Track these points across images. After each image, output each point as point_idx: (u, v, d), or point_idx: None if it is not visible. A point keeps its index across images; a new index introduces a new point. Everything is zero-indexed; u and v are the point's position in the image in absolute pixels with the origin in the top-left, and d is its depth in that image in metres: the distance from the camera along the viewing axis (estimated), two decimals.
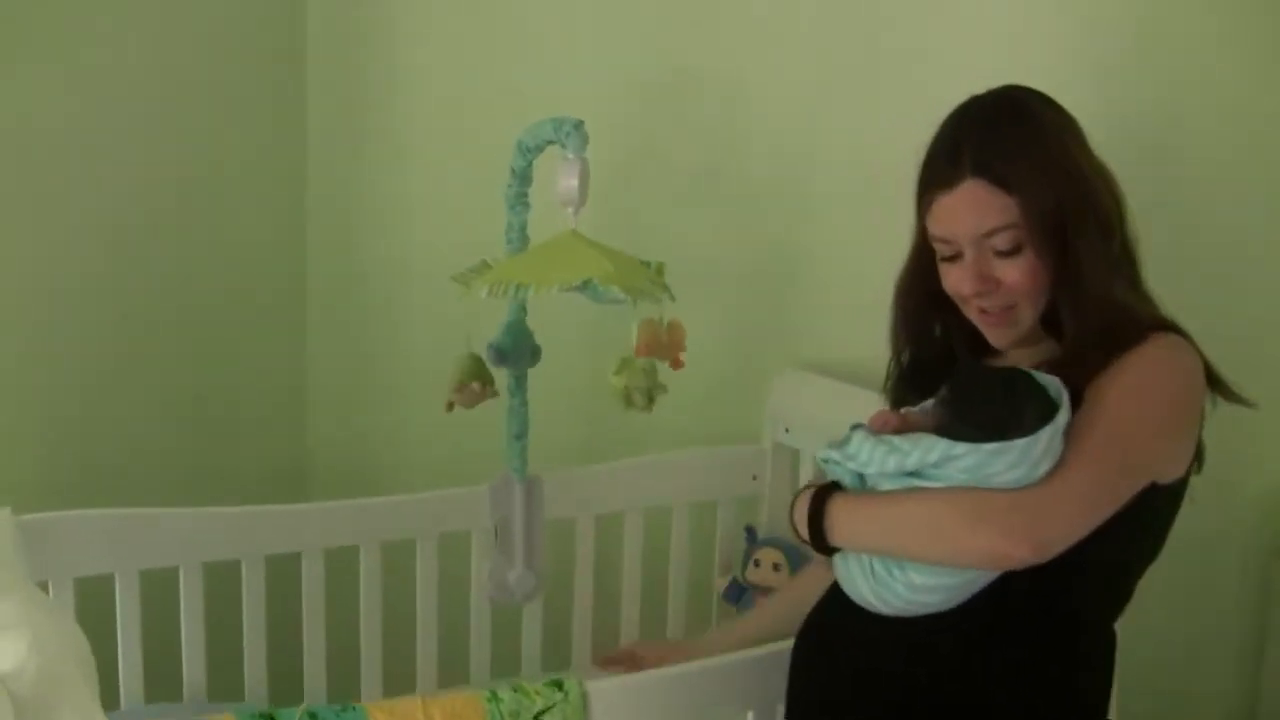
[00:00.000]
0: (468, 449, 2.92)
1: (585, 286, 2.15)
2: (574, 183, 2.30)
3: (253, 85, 3.14)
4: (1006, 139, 1.73)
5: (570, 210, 2.32)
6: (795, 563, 2.73)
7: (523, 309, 2.52)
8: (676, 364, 2.28)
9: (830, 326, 2.80)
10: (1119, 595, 1.79)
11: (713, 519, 2.83)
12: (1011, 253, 1.72)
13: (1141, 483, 1.67)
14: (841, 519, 1.73)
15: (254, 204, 3.18)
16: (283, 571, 2.49)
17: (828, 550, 1.76)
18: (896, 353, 1.98)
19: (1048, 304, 1.77)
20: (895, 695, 1.76)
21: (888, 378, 2.01)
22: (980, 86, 2.50)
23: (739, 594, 2.78)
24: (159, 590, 2.36)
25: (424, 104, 3.15)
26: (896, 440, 1.67)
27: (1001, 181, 1.70)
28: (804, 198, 2.76)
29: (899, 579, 1.69)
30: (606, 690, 1.85)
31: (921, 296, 1.90)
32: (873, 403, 2.57)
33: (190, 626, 2.38)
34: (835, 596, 1.84)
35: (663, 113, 2.85)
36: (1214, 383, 1.74)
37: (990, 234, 1.71)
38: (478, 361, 2.43)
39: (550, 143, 2.40)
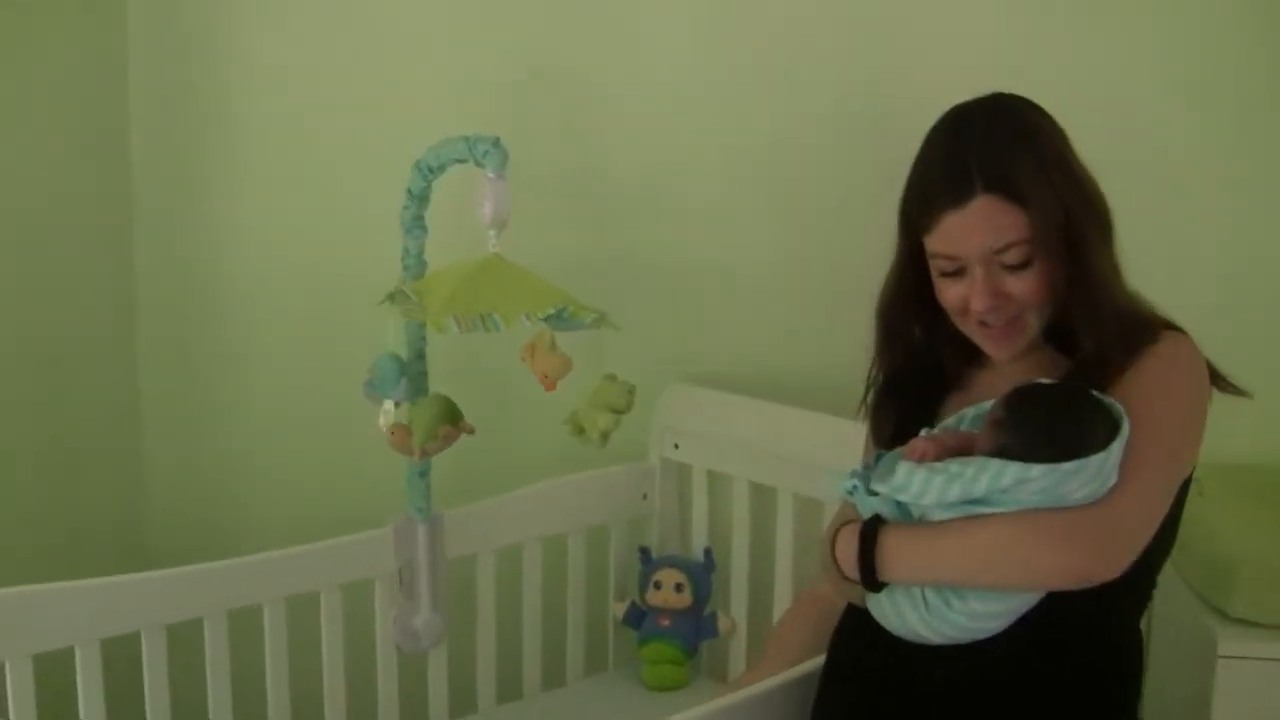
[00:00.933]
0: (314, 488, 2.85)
1: (556, 315, 2.05)
2: (502, 204, 2.18)
3: (72, 112, 2.88)
4: (1013, 152, 1.71)
5: (493, 233, 2.21)
6: (698, 582, 2.68)
7: (423, 340, 2.39)
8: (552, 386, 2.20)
9: (712, 338, 2.77)
10: (1147, 593, 1.82)
11: (603, 543, 2.74)
12: (1021, 266, 1.71)
13: (1182, 481, 1.70)
14: (901, 553, 1.66)
15: (75, 235, 2.91)
16: (181, 638, 2.28)
17: (877, 586, 1.70)
18: (877, 367, 1.95)
19: (1052, 314, 1.77)
20: None
21: (866, 391, 1.98)
22: (852, 88, 2.53)
23: (640, 618, 2.71)
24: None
25: (259, 118, 2.94)
26: (954, 467, 1.62)
27: (1016, 197, 1.68)
28: (679, 204, 2.73)
29: (958, 609, 1.65)
30: None
31: (906, 311, 1.88)
32: (763, 412, 2.60)
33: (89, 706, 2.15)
34: (863, 634, 1.79)
35: (529, 116, 2.74)
36: (1213, 376, 1.79)
37: (1003, 250, 1.70)
38: (448, 402, 2.28)
39: (458, 162, 2.27)
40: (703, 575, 2.70)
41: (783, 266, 2.73)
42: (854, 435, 2.43)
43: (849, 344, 2.66)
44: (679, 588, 2.68)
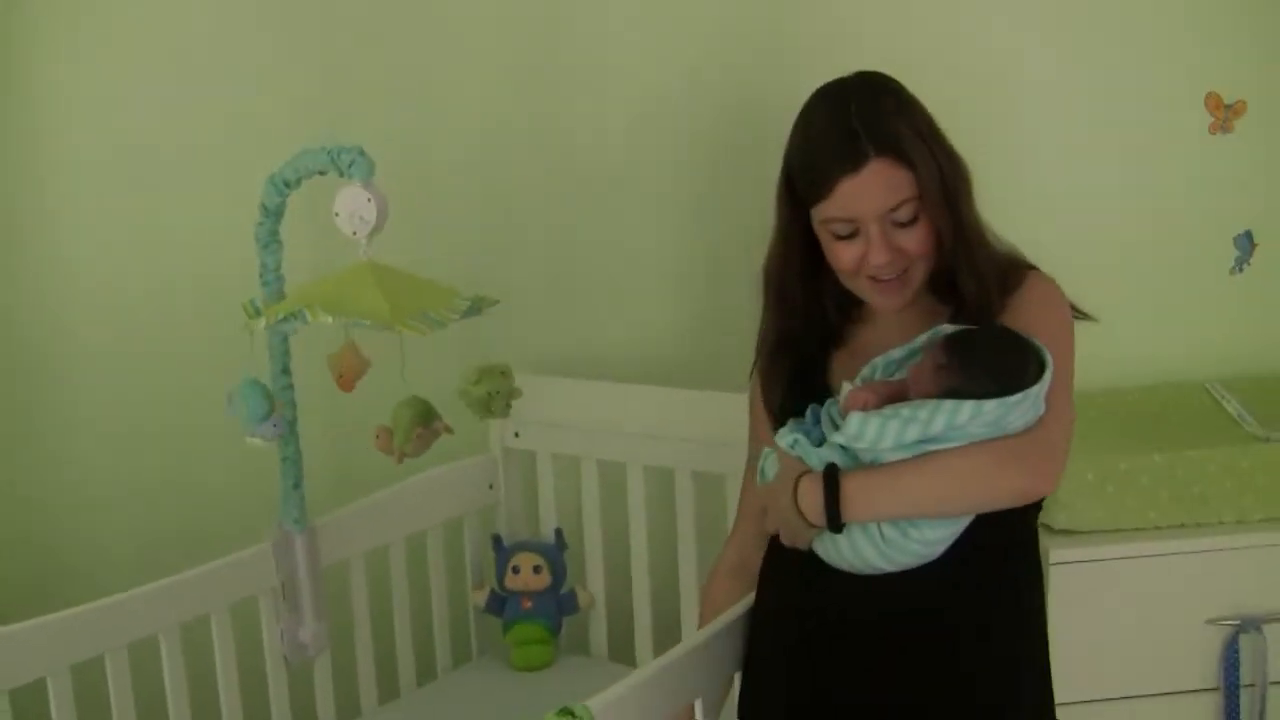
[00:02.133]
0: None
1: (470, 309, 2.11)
2: (375, 213, 2.21)
3: None
4: (896, 118, 1.89)
5: (364, 240, 2.24)
6: (554, 561, 2.79)
7: (285, 367, 2.40)
8: (348, 388, 2.27)
9: (537, 324, 2.87)
10: (1039, 504, 2.04)
11: (458, 535, 2.81)
12: (910, 223, 1.89)
13: None
14: (865, 495, 1.80)
15: None
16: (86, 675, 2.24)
17: (839, 528, 1.83)
18: (768, 329, 2.10)
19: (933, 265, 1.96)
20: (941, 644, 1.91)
21: (757, 355, 2.13)
22: (663, 79, 2.74)
23: (501, 604, 2.80)
24: None
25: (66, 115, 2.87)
26: (905, 411, 1.77)
27: (904, 157, 1.86)
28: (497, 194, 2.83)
29: (915, 538, 1.83)
30: (608, 702, 1.87)
31: (795, 276, 2.03)
32: (599, 393, 2.73)
33: None
34: (796, 575, 1.95)
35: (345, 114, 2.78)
36: None
37: (896, 208, 1.87)
38: (423, 404, 2.29)
39: (319, 173, 2.29)
40: (556, 555, 2.81)
41: (606, 253, 2.88)
42: (691, 404, 2.63)
43: (677, 320, 2.88)
44: (537, 569, 2.78)
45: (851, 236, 1.90)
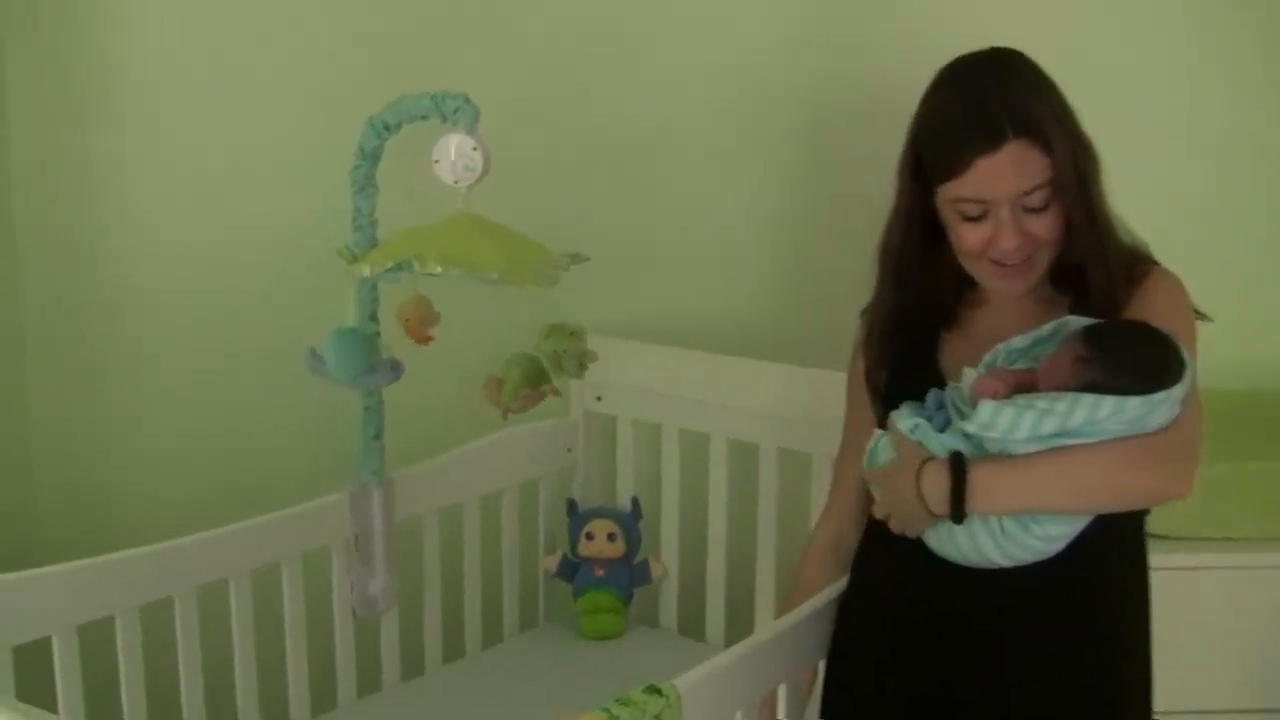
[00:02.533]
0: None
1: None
2: (480, 161, 2.15)
3: None
4: (1033, 100, 1.80)
5: (464, 190, 2.18)
6: (629, 530, 2.73)
7: (373, 314, 2.33)
8: (424, 339, 2.21)
9: (625, 289, 2.80)
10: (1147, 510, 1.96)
11: (532, 499, 2.75)
12: (1042, 208, 1.81)
13: None
14: (998, 486, 1.73)
15: None
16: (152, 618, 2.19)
17: (961, 519, 1.76)
18: (881, 306, 2.03)
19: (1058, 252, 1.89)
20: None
21: (867, 334, 2.06)
22: (759, 48, 2.67)
23: (573, 570, 2.74)
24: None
25: (148, 89, 2.80)
26: (1041, 404, 1.70)
27: (1042, 142, 1.78)
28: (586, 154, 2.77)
29: (1037, 534, 1.75)
30: (693, 682, 1.81)
31: (914, 254, 1.97)
32: (683, 361, 2.66)
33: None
34: (901, 560, 1.88)
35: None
36: None
37: (1030, 192, 1.79)
38: (535, 363, 2.24)
39: (422, 118, 2.23)
40: (632, 524, 2.75)
41: (697, 219, 2.80)
42: (779, 377, 2.56)
43: (767, 292, 2.81)
44: (611, 537, 2.72)
45: (980, 218, 1.82)
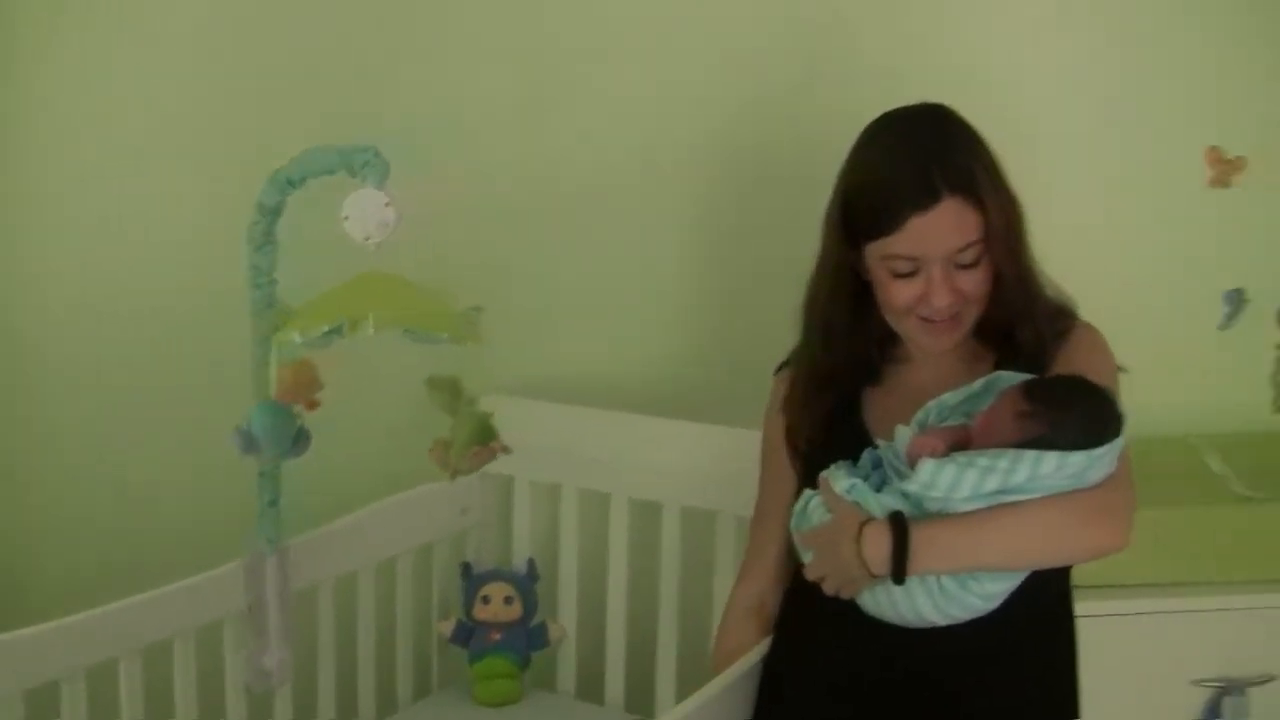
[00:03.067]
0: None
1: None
2: (391, 215, 2.06)
3: None
4: (968, 155, 1.81)
5: (373, 246, 2.09)
6: (526, 592, 2.66)
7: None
8: (311, 405, 2.10)
9: (518, 345, 2.74)
10: None
11: (425, 563, 2.67)
12: (973, 264, 1.81)
13: None
14: (937, 546, 1.71)
15: None
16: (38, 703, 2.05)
17: (902, 579, 1.73)
18: (807, 363, 2.01)
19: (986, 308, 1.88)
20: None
21: (790, 391, 2.04)
22: (665, 107, 2.64)
23: (468, 635, 2.66)
24: None
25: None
26: (983, 461, 1.69)
27: (976, 197, 1.78)
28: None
29: (975, 591, 1.75)
30: None
31: (843, 311, 1.95)
32: (582, 419, 2.61)
33: None
34: (846, 635, 1.86)
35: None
36: None
37: (963, 249, 1.79)
38: (483, 421, 2.14)
39: (328, 173, 2.15)
40: (528, 586, 2.68)
41: (598, 275, 2.76)
42: (682, 435, 2.53)
43: (669, 349, 2.77)
44: (509, 600, 2.65)
45: (910, 275, 1.81)
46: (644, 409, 2.61)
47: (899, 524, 1.72)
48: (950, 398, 1.85)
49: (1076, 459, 1.69)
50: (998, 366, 1.89)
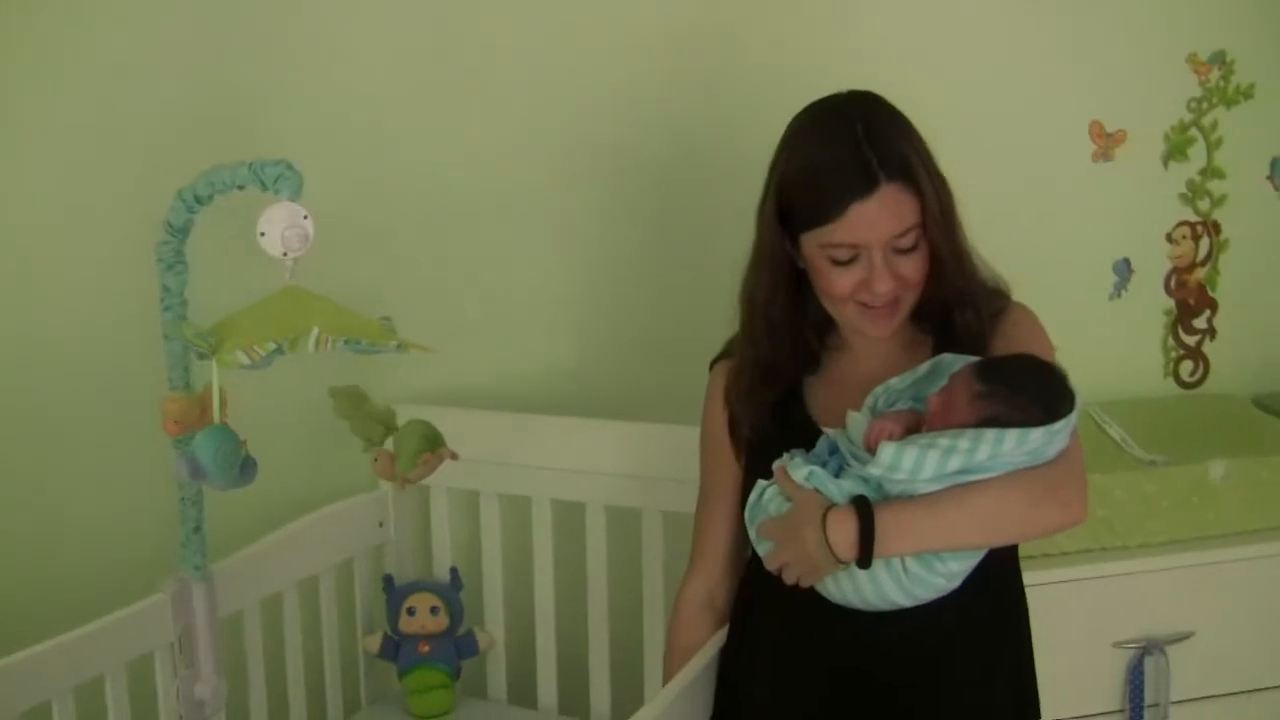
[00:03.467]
0: None
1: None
2: (302, 232, 2.02)
3: None
4: (903, 142, 1.83)
5: (290, 263, 2.05)
6: (451, 602, 2.63)
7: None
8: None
9: (424, 356, 2.68)
10: None
11: (349, 578, 2.62)
12: (912, 249, 1.83)
13: None
14: (907, 528, 1.72)
15: None
16: None
17: (868, 564, 1.74)
18: (750, 355, 1.99)
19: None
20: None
21: (733, 384, 2.03)
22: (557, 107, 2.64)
23: (396, 648, 2.62)
24: None
25: None
26: (943, 441, 1.70)
27: (913, 182, 1.80)
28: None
29: (939, 571, 1.77)
30: None
31: (783, 302, 1.94)
32: (497, 424, 2.59)
33: None
34: (812, 621, 1.87)
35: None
36: None
37: (902, 234, 1.81)
38: (429, 428, 2.09)
39: (238, 188, 2.09)
40: (453, 595, 2.65)
41: (505, 280, 2.74)
42: (606, 435, 2.52)
43: (584, 350, 2.76)
44: (434, 611, 2.61)
45: (850, 262, 1.82)
46: (560, 411, 2.60)
47: (864, 508, 1.73)
48: (897, 382, 1.87)
49: (1037, 435, 1.72)
50: (936, 350, 1.91)
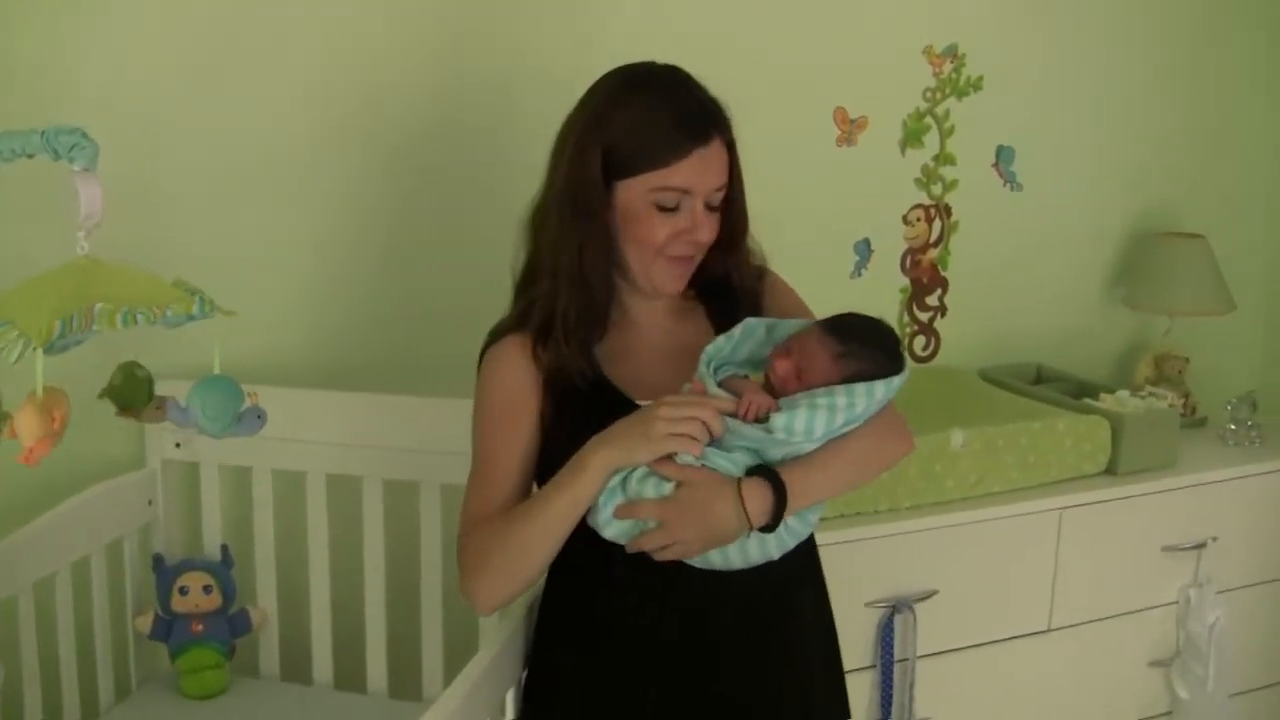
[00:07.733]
0: None
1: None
2: (96, 201, 1.95)
3: None
4: (718, 107, 1.94)
5: (82, 234, 1.98)
6: (223, 580, 2.60)
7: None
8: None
9: (182, 331, 2.62)
10: None
11: (119, 558, 2.55)
12: (718, 208, 1.94)
13: None
14: (807, 487, 1.83)
15: None
16: None
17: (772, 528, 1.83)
18: (568, 307, 1.95)
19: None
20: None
21: (550, 335, 1.96)
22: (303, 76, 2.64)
23: (168, 629, 2.57)
24: None
25: None
26: (822, 400, 1.79)
27: (731, 144, 1.94)
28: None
29: (810, 521, 1.91)
30: None
31: (600, 256, 1.94)
32: (272, 400, 2.52)
33: None
34: (678, 586, 1.92)
35: None
36: None
37: (720, 189, 1.92)
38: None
39: (27, 156, 2.01)
40: (225, 573, 2.61)
41: (259, 253, 2.70)
42: (376, 408, 2.53)
43: (345, 322, 2.74)
44: (207, 589, 2.57)
45: (673, 210, 1.90)
46: (328, 384, 2.60)
47: (774, 477, 1.81)
48: (715, 350, 1.90)
49: (896, 382, 1.86)
50: (711, 315, 2.03)
